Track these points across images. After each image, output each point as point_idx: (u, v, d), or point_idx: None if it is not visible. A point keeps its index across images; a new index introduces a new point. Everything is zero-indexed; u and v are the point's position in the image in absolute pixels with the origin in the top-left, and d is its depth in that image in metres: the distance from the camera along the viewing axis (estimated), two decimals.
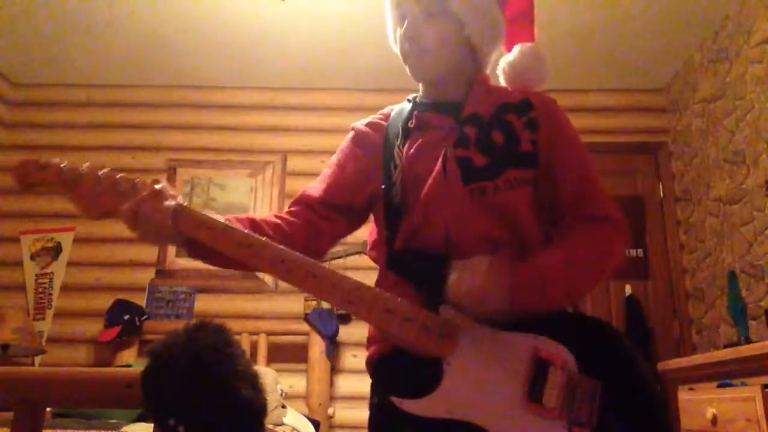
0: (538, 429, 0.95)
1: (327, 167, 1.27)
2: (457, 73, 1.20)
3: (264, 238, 1.02)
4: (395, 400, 0.95)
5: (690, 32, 3.47)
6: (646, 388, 1.01)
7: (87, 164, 1.05)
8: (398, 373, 1.04)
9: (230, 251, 1.01)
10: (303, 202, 1.22)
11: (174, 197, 1.02)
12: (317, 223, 1.19)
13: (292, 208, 1.22)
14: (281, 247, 1.02)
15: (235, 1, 3.28)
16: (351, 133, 1.28)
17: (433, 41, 1.15)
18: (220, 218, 1.04)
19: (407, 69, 1.20)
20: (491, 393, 0.96)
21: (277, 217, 1.18)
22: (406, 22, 1.16)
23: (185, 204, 1.03)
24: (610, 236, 1.10)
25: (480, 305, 0.97)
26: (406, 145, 1.16)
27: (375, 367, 1.15)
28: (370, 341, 1.19)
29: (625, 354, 1.03)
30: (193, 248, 1.07)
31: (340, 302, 1.00)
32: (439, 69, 1.18)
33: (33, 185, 1.05)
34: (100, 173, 1.03)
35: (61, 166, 1.04)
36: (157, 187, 1.01)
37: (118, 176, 1.04)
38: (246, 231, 1.03)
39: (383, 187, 1.14)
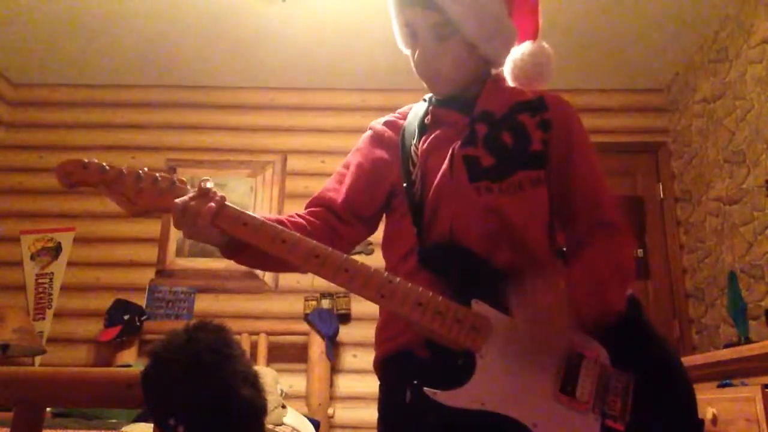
0: (570, 421, 0.96)
1: (343, 167, 1.27)
2: (473, 80, 1.20)
3: (297, 234, 1.04)
4: (428, 391, 0.95)
5: (690, 32, 3.47)
6: (679, 382, 1.02)
7: (127, 165, 1.07)
8: (424, 365, 1.04)
9: (267, 247, 1.02)
10: (324, 204, 1.22)
11: (221, 198, 1.04)
12: (338, 227, 1.20)
13: (314, 209, 1.22)
14: (315, 242, 1.03)
15: (235, 1, 3.28)
16: (368, 132, 1.28)
17: (447, 66, 1.16)
18: (257, 216, 1.06)
19: (425, 85, 1.21)
20: (524, 385, 0.97)
21: (299, 216, 1.19)
22: (418, 47, 1.16)
23: (227, 203, 1.05)
24: (625, 243, 1.13)
25: (550, 327, 0.98)
26: (421, 141, 1.17)
27: (393, 363, 1.14)
28: (383, 340, 1.17)
29: (658, 347, 1.05)
30: (233, 249, 1.09)
31: (373, 296, 1.01)
32: (456, 87, 1.19)
33: (75, 185, 1.06)
34: (140, 171, 1.06)
35: (104, 166, 1.06)
36: (206, 186, 1.04)
37: (157, 174, 1.06)
38: (280, 227, 1.04)
39: (405, 185, 1.15)
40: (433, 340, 1.01)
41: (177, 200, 1.02)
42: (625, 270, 1.09)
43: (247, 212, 1.05)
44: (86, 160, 1.06)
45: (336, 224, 1.20)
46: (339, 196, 1.22)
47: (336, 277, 1.01)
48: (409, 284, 1.00)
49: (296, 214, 1.19)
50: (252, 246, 1.04)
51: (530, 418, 0.95)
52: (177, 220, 1.03)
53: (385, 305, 1.02)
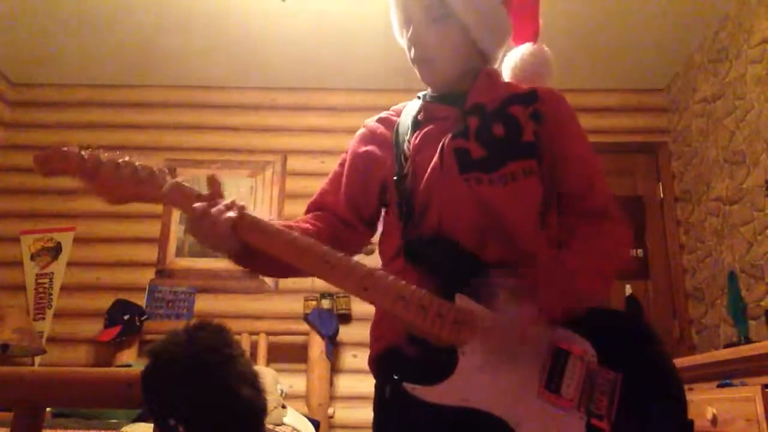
0: (554, 419, 0.94)
1: (339, 165, 1.27)
2: (465, 72, 1.20)
3: (275, 227, 1.02)
4: (407, 386, 0.94)
5: (690, 32, 3.47)
6: (668, 380, 1.00)
7: (107, 153, 1.04)
8: (412, 361, 1.03)
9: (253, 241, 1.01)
10: (325, 208, 1.22)
11: (241, 207, 1.02)
12: (342, 231, 1.20)
13: (317, 213, 1.21)
14: (296, 234, 1.01)
15: (235, 1, 3.28)
16: (361, 130, 1.28)
17: (437, 48, 1.16)
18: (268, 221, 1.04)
19: (417, 73, 1.21)
20: (508, 382, 0.96)
21: (305, 221, 1.18)
22: (411, 27, 1.16)
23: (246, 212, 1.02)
24: (615, 233, 1.11)
25: (523, 339, 0.98)
26: (414, 136, 1.17)
27: (383, 360, 1.14)
28: (375, 338, 1.17)
29: (647, 346, 1.03)
30: (242, 257, 1.07)
31: (353, 289, 0.99)
32: (446, 74, 1.19)
33: (54, 174, 1.03)
34: (120, 161, 1.03)
35: (83, 154, 1.02)
36: (239, 203, 1.02)
37: (137, 164, 1.04)
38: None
39: (395, 178, 1.14)
40: (417, 336, 0.99)
41: (196, 205, 1.00)
42: (610, 254, 1.07)
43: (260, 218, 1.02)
44: (65, 149, 1.02)
45: (340, 228, 1.20)
46: (337, 201, 1.22)
47: (317, 268, 0.99)
48: (392, 277, 0.99)
49: (302, 219, 1.19)
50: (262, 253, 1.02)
51: (513, 415, 0.94)
52: (194, 225, 1.00)
53: (367, 298, 0.99)
